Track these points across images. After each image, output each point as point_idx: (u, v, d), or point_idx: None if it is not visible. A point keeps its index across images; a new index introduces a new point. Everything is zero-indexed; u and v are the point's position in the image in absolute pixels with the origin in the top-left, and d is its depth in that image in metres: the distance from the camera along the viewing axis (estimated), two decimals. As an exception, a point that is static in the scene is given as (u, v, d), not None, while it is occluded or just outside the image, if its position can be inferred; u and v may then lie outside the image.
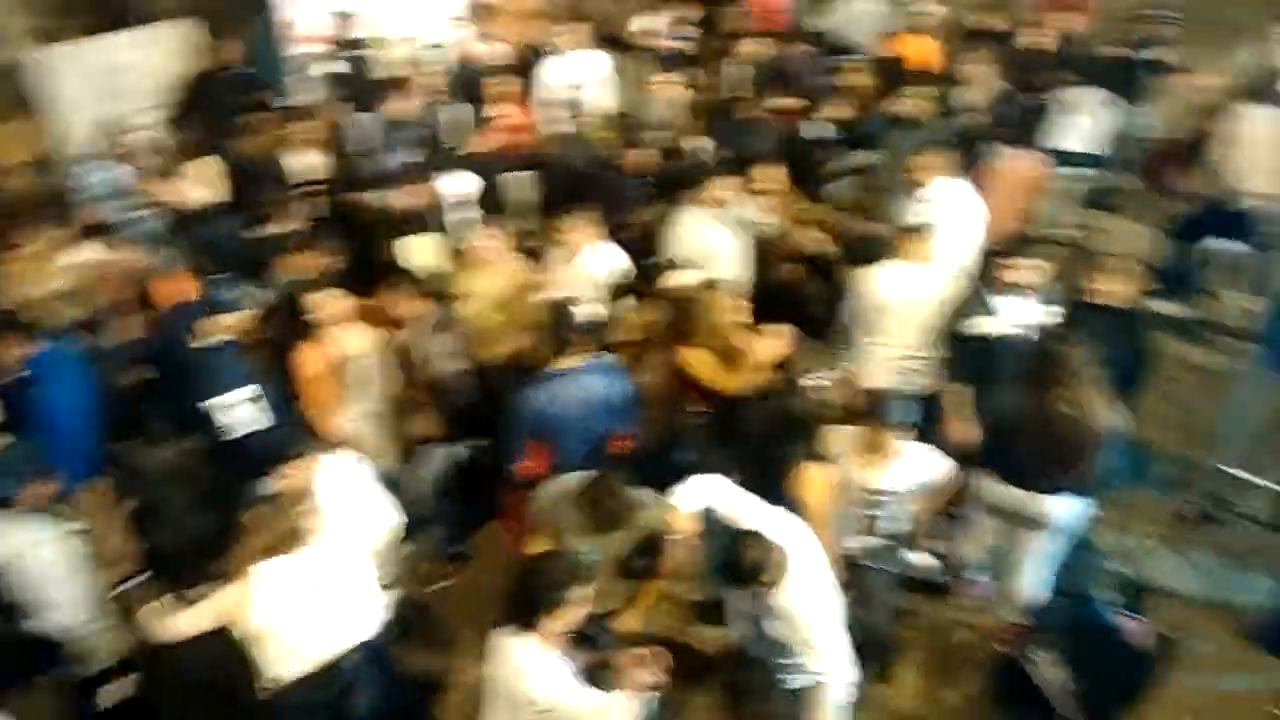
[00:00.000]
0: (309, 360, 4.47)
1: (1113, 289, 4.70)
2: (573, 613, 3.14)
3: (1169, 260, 7.29)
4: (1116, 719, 4.02)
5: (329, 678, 3.50)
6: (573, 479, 3.94)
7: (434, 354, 4.70)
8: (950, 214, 5.42)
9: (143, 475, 4.02)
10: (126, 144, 6.29)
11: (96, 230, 5.47)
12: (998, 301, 4.63)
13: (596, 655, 3.43)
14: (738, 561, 3.31)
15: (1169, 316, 7.13)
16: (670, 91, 7.13)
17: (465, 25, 8.10)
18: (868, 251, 5.29)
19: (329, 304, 4.51)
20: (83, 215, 5.85)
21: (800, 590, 3.40)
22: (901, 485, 4.04)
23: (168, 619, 3.39)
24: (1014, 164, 6.36)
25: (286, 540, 3.39)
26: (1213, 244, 7.15)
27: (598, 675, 3.29)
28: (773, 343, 4.45)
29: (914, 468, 4.05)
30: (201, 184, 6.05)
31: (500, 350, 5.40)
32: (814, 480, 3.96)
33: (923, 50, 7.86)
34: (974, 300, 4.67)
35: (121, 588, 4.85)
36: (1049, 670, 4.14)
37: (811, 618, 3.40)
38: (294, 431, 4.11)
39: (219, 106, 7.12)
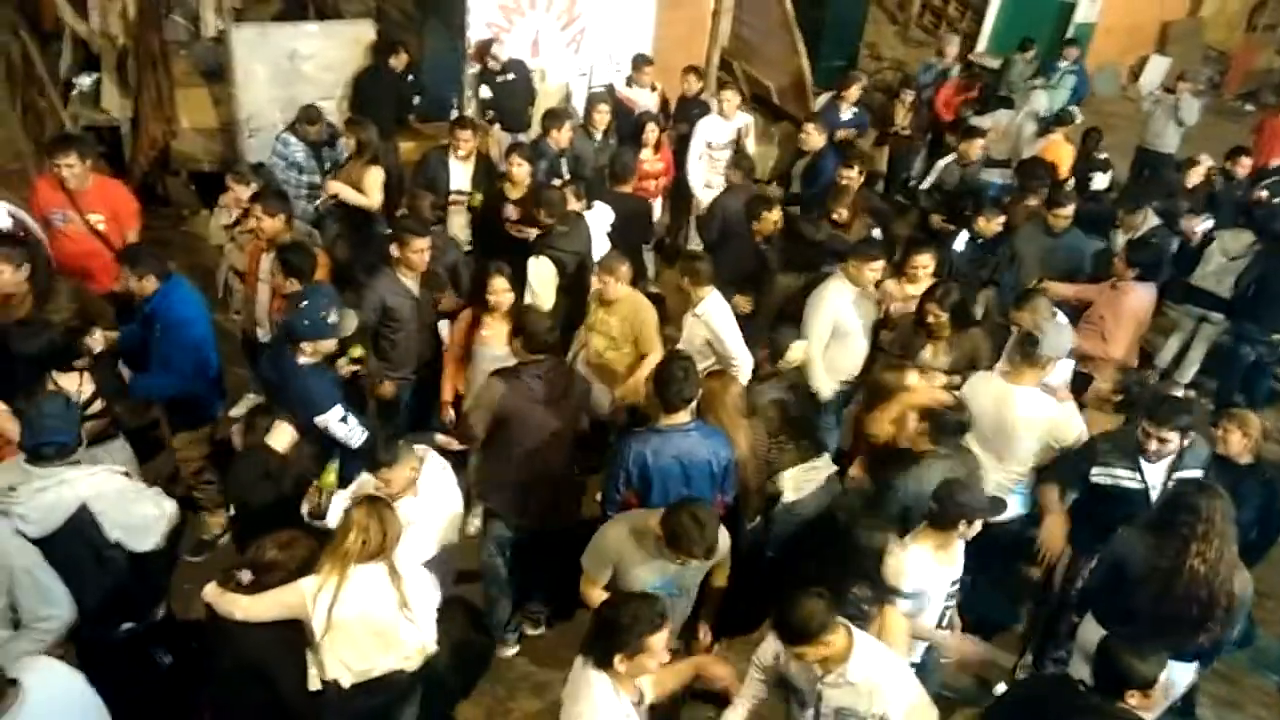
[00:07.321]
0: None
1: (1241, 442, 4.40)
2: (647, 659, 3.00)
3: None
4: None
5: (379, 689, 3.44)
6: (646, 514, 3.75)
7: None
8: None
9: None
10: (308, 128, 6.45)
11: (274, 196, 5.42)
12: (1144, 463, 4.29)
13: None
14: None
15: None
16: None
17: (624, 71, 8.30)
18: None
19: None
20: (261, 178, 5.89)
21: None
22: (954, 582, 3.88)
23: (237, 599, 3.32)
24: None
25: (380, 545, 3.34)
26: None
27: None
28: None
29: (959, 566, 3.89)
30: (370, 190, 6.13)
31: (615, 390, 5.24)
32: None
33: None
34: (1119, 456, 4.33)
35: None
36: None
37: None
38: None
39: (385, 106, 7.43)
